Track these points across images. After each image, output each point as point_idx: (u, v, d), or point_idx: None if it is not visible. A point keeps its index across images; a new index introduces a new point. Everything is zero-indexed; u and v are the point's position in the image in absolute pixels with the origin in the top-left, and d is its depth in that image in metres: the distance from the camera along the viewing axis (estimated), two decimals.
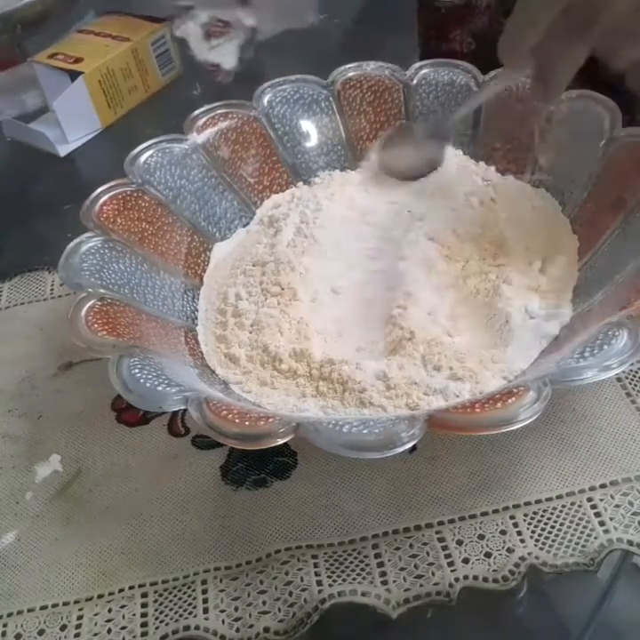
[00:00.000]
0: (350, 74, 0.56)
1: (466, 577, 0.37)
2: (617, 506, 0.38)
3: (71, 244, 0.45)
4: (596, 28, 0.37)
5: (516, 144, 0.53)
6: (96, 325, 0.40)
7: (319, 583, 0.37)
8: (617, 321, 0.36)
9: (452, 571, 0.37)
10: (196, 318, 0.48)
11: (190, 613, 0.37)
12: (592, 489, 0.39)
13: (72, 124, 0.69)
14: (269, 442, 0.34)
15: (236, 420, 0.35)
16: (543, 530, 0.38)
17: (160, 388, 0.37)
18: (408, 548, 0.38)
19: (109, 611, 0.38)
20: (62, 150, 0.69)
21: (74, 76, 0.69)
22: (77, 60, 0.70)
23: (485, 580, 0.37)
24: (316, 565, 0.38)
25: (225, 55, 0.73)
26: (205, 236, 0.52)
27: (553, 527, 0.38)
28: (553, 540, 0.38)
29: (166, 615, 0.38)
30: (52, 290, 0.56)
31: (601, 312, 0.40)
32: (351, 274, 0.49)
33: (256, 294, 0.47)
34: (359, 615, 0.37)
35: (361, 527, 0.40)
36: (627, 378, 0.44)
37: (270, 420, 0.35)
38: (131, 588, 0.39)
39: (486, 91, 0.51)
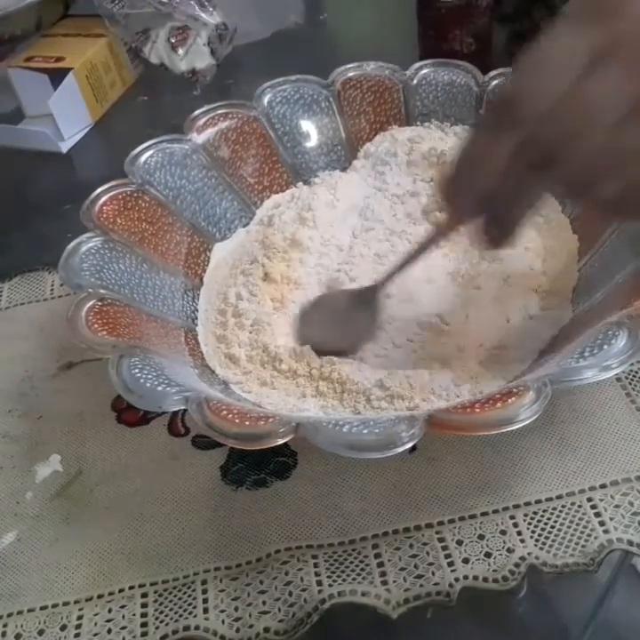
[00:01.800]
0: (350, 74, 0.56)
1: (466, 577, 0.37)
2: (617, 506, 0.38)
3: (71, 245, 0.45)
4: (558, 168, 0.30)
5: None
6: (96, 325, 0.40)
7: (319, 583, 0.37)
8: (617, 321, 0.36)
9: (451, 571, 0.37)
10: (196, 318, 0.48)
11: (190, 613, 0.37)
12: (592, 489, 0.39)
13: (66, 120, 0.70)
14: (269, 442, 0.34)
15: (236, 420, 0.35)
16: (543, 530, 0.38)
17: (160, 388, 0.37)
18: (408, 548, 0.38)
19: (109, 611, 0.38)
20: (63, 147, 0.70)
21: (59, 74, 0.69)
22: (59, 60, 0.71)
23: (485, 580, 0.37)
24: (316, 565, 0.38)
25: (196, 58, 0.73)
26: (205, 236, 0.52)
27: (553, 527, 0.38)
28: (553, 540, 0.38)
29: (166, 615, 0.38)
30: (51, 290, 0.56)
31: (601, 312, 0.40)
32: (346, 271, 0.49)
33: (256, 294, 0.48)
34: (359, 615, 0.37)
35: (361, 527, 0.40)
36: (627, 378, 0.44)
37: (270, 420, 0.35)
38: (131, 588, 0.39)
39: (418, 251, 0.43)
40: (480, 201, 0.34)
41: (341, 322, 0.45)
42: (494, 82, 0.53)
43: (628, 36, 0.28)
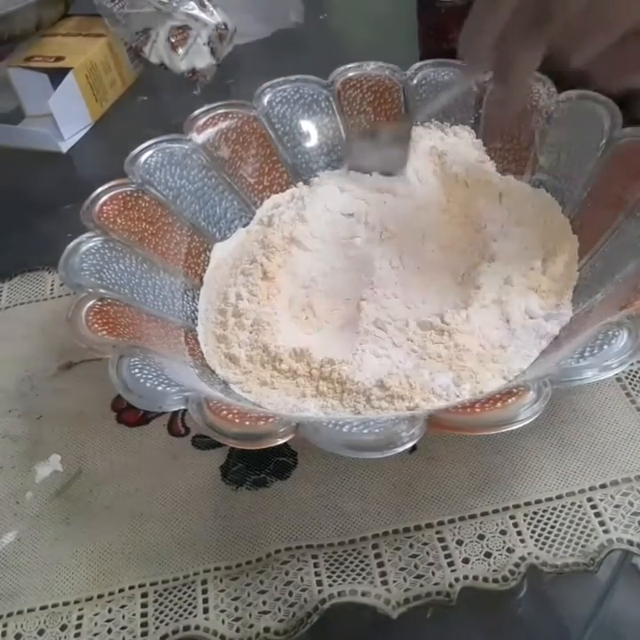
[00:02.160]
0: (350, 74, 0.56)
1: (466, 577, 0.37)
2: (617, 506, 0.38)
3: (71, 244, 0.45)
4: (550, 26, 0.37)
5: (515, 144, 0.53)
6: (96, 325, 0.40)
7: (319, 583, 0.37)
8: (617, 321, 0.36)
9: (451, 571, 0.37)
10: (196, 318, 0.48)
11: (190, 613, 0.37)
12: (592, 489, 0.39)
13: (66, 120, 0.70)
14: (269, 442, 0.34)
15: (236, 420, 0.35)
16: (543, 530, 0.38)
17: (160, 388, 0.37)
18: (408, 547, 0.38)
19: (109, 611, 0.38)
20: (63, 147, 0.70)
21: (59, 74, 0.69)
22: (59, 59, 0.71)
23: (485, 580, 0.37)
24: (315, 565, 0.38)
25: (196, 58, 0.73)
26: (205, 236, 0.52)
27: (553, 527, 0.38)
28: (553, 540, 0.38)
29: (166, 615, 0.38)
30: (51, 290, 0.56)
31: (601, 312, 0.40)
32: (343, 272, 0.49)
33: (256, 294, 0.48)
34: (359, 615, 0.37)
35: (361, 527, 0.40)
36: (627, 378, 0.44)
37: (270, 420, 0.35)
38: (131, 588, 0.39)
39: (449, 91, 0.51)
40: (488, 52, 0.40)
41: (379, 151, 0.53)
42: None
43: None
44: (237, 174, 0.54)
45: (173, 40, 0.73)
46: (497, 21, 0.39)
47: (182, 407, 0.36)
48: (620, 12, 0.35)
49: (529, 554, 0.37)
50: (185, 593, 0.38)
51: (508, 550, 0.37)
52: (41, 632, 0.38)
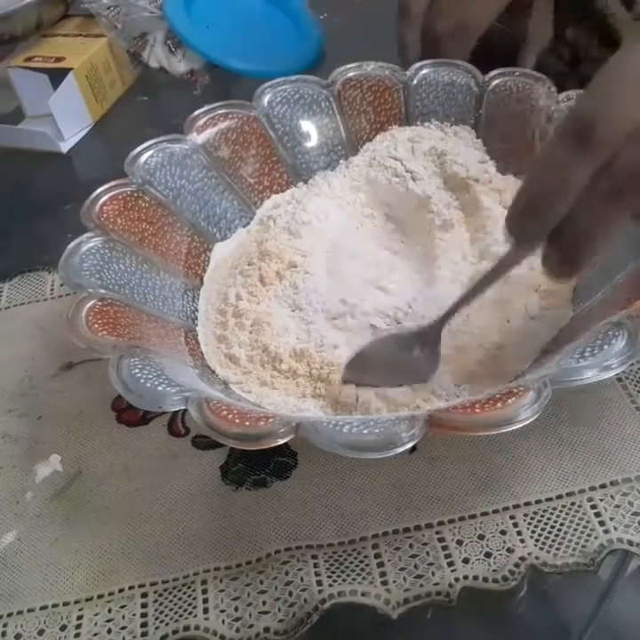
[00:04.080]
0: (350, 74, 0.56)
1: (466, 577, 0.37)
2: (617, 506, 0.38)
3: (71, 245, 0.45)
4: (637, 197, 0.29)
5: (515, 144, 0.53)
6: (96, 325, 0.40)
7: (319, 583, 0.37)
8: (617, 321, 0.36)
9: (451, 571, 0.37)
10: (196, 318, 0.48)
11: (190, 613, 0.37)
12: (592, 489, 0.39)
13: (66, 120, 0.70)
14: (269, 442, 0.34)
15: (236, 420, 0.35)
16: (543, 530, 0.38)
17: (160, 388, 0.37)
18: (408, 548, 0.38)
19: (109, 611, 0.38)
20: (63, 147, 0.70)
21: (59, 74, 0.69)
22: (59, 60, 0.71)
23: (485, 580, 0.37)
24: (315, 565, 0.38)
25: (195, 58, 0.73)
26: (205, 236, 0.52)
27: (553, 527, 0.38)
28: (553, 540, 0.38)
29: (166, 615, 0.38)
30: (51, 290, 0.56)
31: (601, 312, 0.40)
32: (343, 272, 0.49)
33: (256, 294, 0.48)
34: (359, 615, 0.37)
35: (361, 527, 0.40)
36: (627, 378, 0.44)
37: (270, 420, 0.35)
38: (131, 588, 0.39)
39: (484, 283, 0.40)
40: (548, 230, 0.32)
41: (400, 363, 0.42)
42: (494, 82, 0.54)
43: None
44: (237, 174, 0.54)
45: (171, 43, 0.73)
46: (566, 197, 0.30)
47: (182, 407, 0.36)
48: None
49: (529, 554, 0.37)
50: (185, 593, 0.38)
51: (508, 550, 0.37)
52: (41, 632, 0.38)
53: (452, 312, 0.41)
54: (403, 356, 0.42)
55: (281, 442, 0.34)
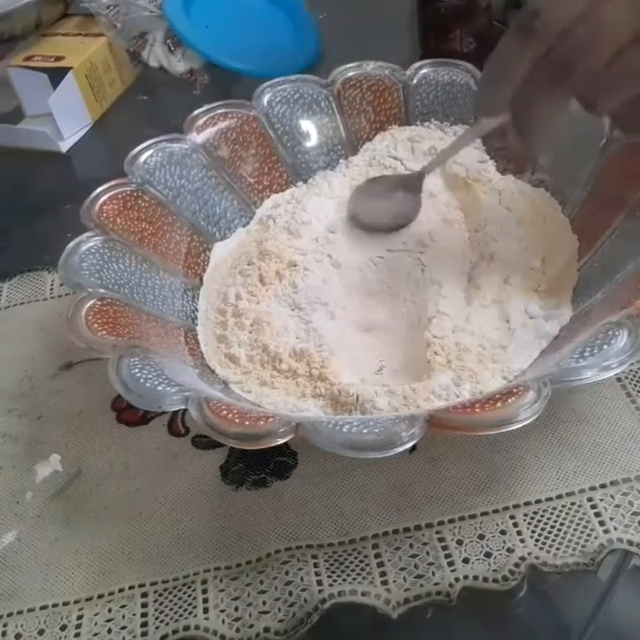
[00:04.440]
0: (350, 73, 0.56)
1: (466, 577, 0.37)
2: (617, 506, 0.38)
3: (71, 244, 0.45)
4: (573, 77, 0.34)
5: None
6: (96, 325, 0.40)
7: (319, 583, 0.37)
8: (617, 321, 0.36)
9: (451, 571, 0.37)
10: (196, 318, 0.48)
11: (190, 613, 0.37)
12: (592, 489, 0.39)
13: (66, 119, 0.70)
14: (269, 442, 0.34)
15: (236, 420, 0.35)
16: (543, 530, 0.38)
17: (160, 388, 0.37)
18: (408, 547, 0.38)
19: (109, 611, 0.38)
20: (63, 146, 0.70)
21: (58, 74, 0.69)
22: (59, 59, 0.71)
23: (485, 580, 0.37)
24: (315, 565, 0.38)
25: (194, 58, 0.73)
26: (205, 235, 0.52)
27: (553, 527, 0.38)
28: (553, 540, 0.38)
29: (166, 615, 0.38)
30: (51, 290, 0.56)
31: (601, 312, 0.40)
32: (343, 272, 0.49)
33: (255, 294, 0.48)
34: (359, 615, 0.37)
35: (361, 527, 0.40)
36: (627, 378, 0.44)
37: (270, 419, 0.35)
38: (131, 587, 0.39)
39: (457, 143, 0.48)
40: (505, 104, 0.37)
41: (388, 200, 0.50)
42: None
43: None
44: (237, 174, 0.54)
45: (170, 43, 0.73)
46: (516, 73, 0.36)
47: (182, 407, 0.36)
48: None
49: (529, 554, 0.37)
50: (185, 593, 0.38)
51: (508, 550, 0.37)
52: (41, 632, 0.38)
53: (434, 165, 0.49)
54: (388, 196, 0.50)
55: (281, 442, 0.34)
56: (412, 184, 0.50)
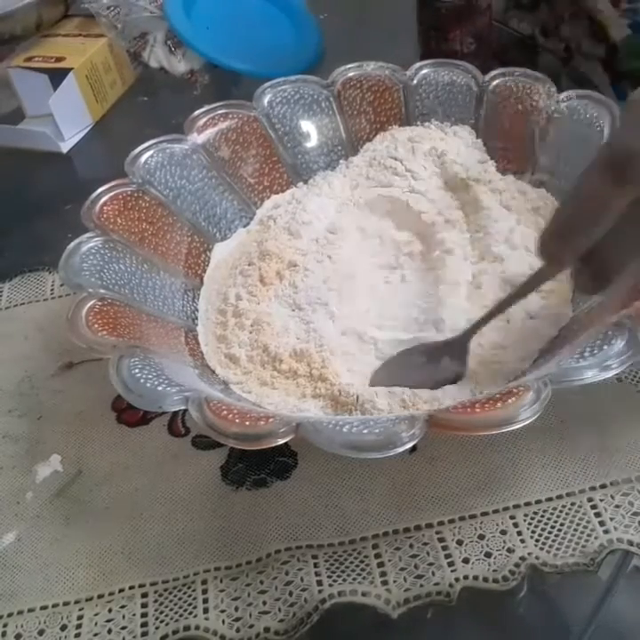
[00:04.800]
0: (350, 74, 0.56)
1: (466, 577, 0.37)
2: (617, 506, 0.38)
3: (71, 245, 0.45)
4: None
5: (515, 144, 0.53)
6: (96, 325, 0.40)
7: (319, 583, 0.37)
8: (617, 321, 0.36)
9: (452, 571, 0.37)
10: (197, 318, 0.48)
11: (190, 613, 0.37)
12: (592, 489, 0.39)
13: (67, 120, 0.70)
14: (269, 442, 0.34)
15: (236, 420, 0.35)
16: (543, 530, 0.38)
17: (160, 388, 0.37)
18: (408, 548, 0.38)
19: (109, 611, 0.38)
20: (63, 147, 0.70)
21: (59, 74, 0.69)
22: (59, 60, 0.71)
23: (485, 579, 0.37)
24: (316, 565, 0.38)
25: (194, 58, 0.73)
26: (205, 236, 0.52)
27: (553, 527, 0.38)
28: (553, 540, 0.38)
29: (166, 615, 0.38)
30: (52, 290, 0.56)
31: (601, 312, 0.40)
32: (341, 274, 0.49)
33: (256, 294, 0.48)
34: (359, 615, 0.37)
35: (361, 527, 0.40)
36: (626, 378, 0.44)
37: (270, 419, 0.35)
38: (131, 587, 0.39)
39: (510, 299, 0.41)
40: (580, 253, 0.33)
41: (427, 372, 0.42)
42: (494, 82, 0.54)
43: None
44: (237, 174, 0.54)
45: (171, 43, 0.73)
46: (599, 226, 0.31)
47: (182, 407, 0.36)
48: None
49: (529, 554, 0.37)
50: (185, 593, 0.38)
51: (508, 550, 0.37)
52: (41, 632, 0.38)
53: (479, 325, 0.42)
54: (431, 366, 0.42)
55: (281, 442, 0.34)
56: (456, 349, 0.42)
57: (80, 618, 0.38)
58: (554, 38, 0.63)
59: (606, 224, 0.31)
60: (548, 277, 0.38)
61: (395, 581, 0.37)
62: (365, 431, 0.34)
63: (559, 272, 0.37)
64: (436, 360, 0.42)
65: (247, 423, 0.35)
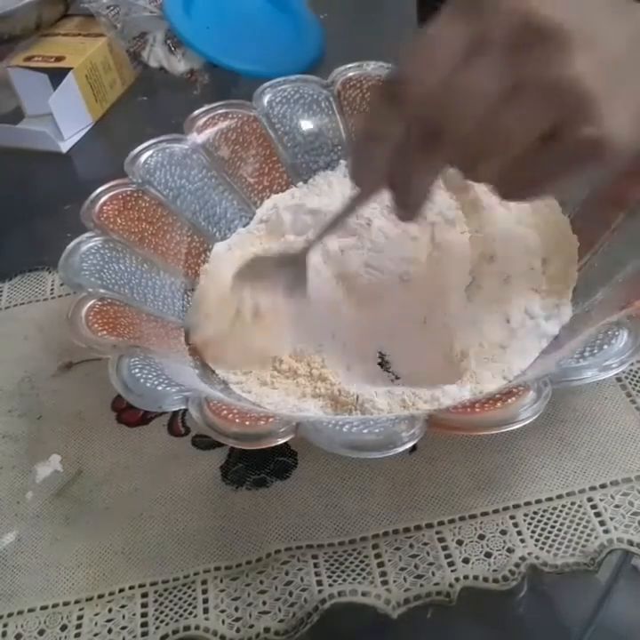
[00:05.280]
0: (350, 74, 0.56)
1: (466, 577, 0.37)
2: (617, 506, 0.38)
3: (71, 244, 0.45)
4: (443, 146, 0.32)
5: None
6: (96, 325, 0.40)
7: (319, 583, 0.37)
8: (617, 321, 0.36)
9: (452, 571, 0.37)
10: None
11: (190, 613, 0.37)
12: (592, 489, 0.39)
13: (66, 120, 0.70)
14: (269, 442, 0.34)
15: (236, 420, 0.35)
16: (543, 530, 0.38)
17: (160, 388, 0.37)
18: (408, 547, 0.38)
19: (109, 611, 0.38)
20: (63, 147, 0.70)
21: (59, 74, 0.69)
22: (59, 59, 0.71)
23: (485, 579, 0.37)
24: (316, 565, 0.38)
25: (194, 58, 0.73)
26: (205, 235, 0.52)
27: (553, 527, 0.38)
28: (553, 540, 0.38)
29: (166, 615, 0.38)
30: (52, 290, 0.56)
31: (601, 312, 0.40)
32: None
33: None
34: (359, 615, 0.37)
35: (361, 527, 0.40)
36: (626, 378, 0.44)
37: (270, 419, 0.35)
38: (131, 587, 0.39)
39: (339, 217, 0.42)
40: (382, 175, 0.35)
41: (271, 281, 0.45)
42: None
43: (498, 31, 0.31)
44: (237, 174, 0.54)
45: (170, 43, 0.73)
46: (385, 146, 0.34)
47: (182, 407, 0.36)
48: (513, 130, 0.31)
49: (529, 554, 0.37)
50: (185, 593, 0.38)
51: (508, 550, 0.37)
52: (41, 632, 0.38)
53: (316, 239, 0.44)
54: (273, 274, 0.45)
55: (281, 441, 0.34)
56: (298, 260, 0.45)
57: (80, 618, 0.38)
58: None
59: (387, 146, 0.34)
60: (363, 200, 0.40)
61: (395, 581, 0.37)
62: (365, 431, 0.34)
63: (369, 193, 0.38)
64: (282, 267, 0.45)
65: (247, 423, 0.35)
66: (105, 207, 0.47)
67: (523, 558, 0.37)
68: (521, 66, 0.30)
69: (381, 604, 0.36)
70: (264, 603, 0.37)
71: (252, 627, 0.36)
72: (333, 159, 0.56)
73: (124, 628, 0.37)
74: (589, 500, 0.39)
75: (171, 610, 0.38)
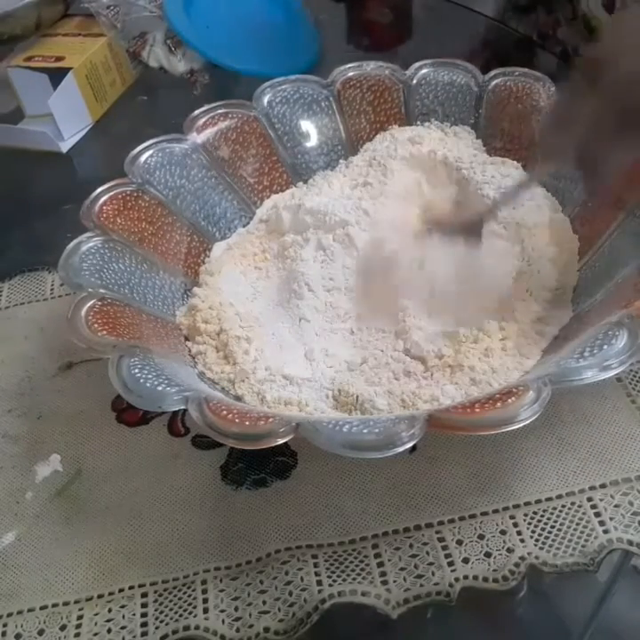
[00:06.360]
0: (350, 73, 0.56)
1: (466, 577, 0.37)
2: (617, 506, 0.38)
3: (71, 244, 0.45)
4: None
5: (515, 144, 0.53)
6: (96, 325, 0.40)
7: (319, 583, 0.37)
8: (617, 321, 0.36)
9: (451, 571, 0.37)
10: None
11: (190, 613, 0.37)
12: (592, 489, 0.39)
13: (66, 120, 0.70)
14: (269, 442, 0.34)
15: (236, 420, 0.35)
16: (543, 530, 0.38)
17: (160, 388, 0.37)
18: (408, 547, 0.38)
19: (109, 611, 0.38)
20: (63, 147, 0.70)
21: (59, 74, 0.69)
22: (59, 59, 0.71)
23: (485, 579, 0.37)
24: (315, 565, 0.38)
25: (194, 58, 0.73)
26: (205, 235, 0.52)
27: (553, 527, 0.38)
28: (553, 540, 0.38)
29: (166, 615, 0.38)
30: (52, 290, 0.56)
31: (601, 312, 0.40)
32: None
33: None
34: (359, 615, 0.37)
35: (361, 527, 0.40)
36: (626, 378, 0.44)
37: (270, 419, 0.35)
38: (131, 588, 0.39)
39: (522, 187, 0.45)
40: (572, 150, 0.36)
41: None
42: (494, 82, 0.54)
43: None
44: (237, 174, 0.54)
45: (170, 43, 0.73)
46: (583, 120, 0.34)
47: (182, 407, 0.36)
48: None
49: (529, 554, 0.37)
50: (185, 593, 0.38)
51: (508, 550, 0.37)
52: (41, 632, 0.38)
53: (491, 211, 0.46)
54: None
55: (281, 442, 0.34)
56: (472, 230, 0.46)
57: (80, 618, 0.38)
58: (551, 41, 0.64)
59: (583, 123, 0.34)
60: (547, 171, 0.42)
61: (394, 581, 0.37)
62: (365, 431, 0.34)
63: (553, 166, 0.41)
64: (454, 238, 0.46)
65: (247, 423, 0.35)
66: (105, 207, 0.47)
67: (522, 558, 0.37)
68: None
69: (381, 603, 0.36)
70: (264, 602, 0.37)
71: (251, 626, 0.36)
72: (333, 159, 0.56)
73: (123, 627, 0.37)
74: (589, 499, 0.39)
75: (170, 610, 0.38)
